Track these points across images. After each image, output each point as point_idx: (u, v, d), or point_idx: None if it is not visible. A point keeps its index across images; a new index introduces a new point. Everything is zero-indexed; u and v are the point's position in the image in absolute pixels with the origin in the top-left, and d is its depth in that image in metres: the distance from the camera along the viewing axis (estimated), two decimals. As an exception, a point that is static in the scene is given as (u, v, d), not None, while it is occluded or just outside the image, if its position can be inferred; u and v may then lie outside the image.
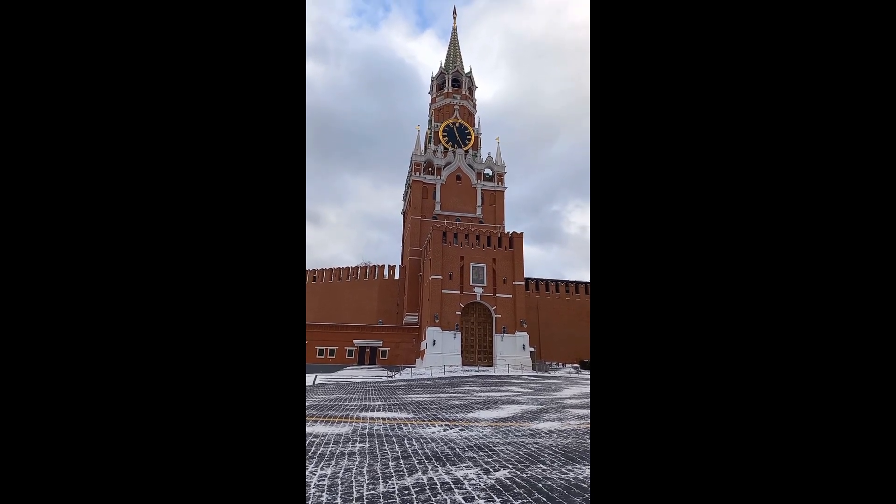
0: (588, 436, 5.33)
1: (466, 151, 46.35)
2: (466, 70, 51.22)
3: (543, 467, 3.64)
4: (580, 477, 3.36)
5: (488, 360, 33.21)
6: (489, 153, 46.95)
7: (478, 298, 34.08)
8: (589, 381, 20.66)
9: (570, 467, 3.66)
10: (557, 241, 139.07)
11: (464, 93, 49.57)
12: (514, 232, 36.38)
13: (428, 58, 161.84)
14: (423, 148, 45.89)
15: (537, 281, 43.98)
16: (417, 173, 44.17)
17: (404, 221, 49.49)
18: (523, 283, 35.60)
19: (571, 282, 45.57)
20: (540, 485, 3.13)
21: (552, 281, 45.04)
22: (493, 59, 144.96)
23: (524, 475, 3.37)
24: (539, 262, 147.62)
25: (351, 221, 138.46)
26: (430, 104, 51.05)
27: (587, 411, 8.12)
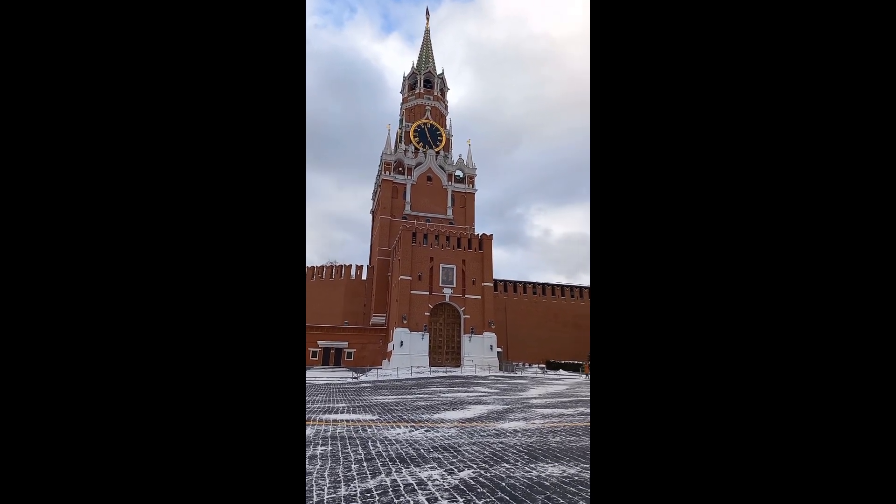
0: (551, 434, 5.42)
1: (437, 153, 46.36)
2: (439, 72, 51.29)
3: (507, 466, 3.66)
4: (542, 475, 3.41)
5: (456, 360, 33.32)
6: (460, 155, 47.17)
7: (447, 299, 34.12)
8: (554, 381, 21.11)
9: (532, 465, 3.70)
10: (522, 243, 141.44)
11: (436, 94, 49.59)
12: (483, 234, 36.69)
13: (393, 61, 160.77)
14: (393, 147, 45.54)
15: (505, 282, 44.55)
16: (387, 172, 43.77)
17: (373, 221, 48.93)
18: (492, 285, 35.96)
19: (539, 283, 46.46)
20: (503, 483, 3.14)
21: (520, 282, 45.75)
22: (456, 65, 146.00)
23: (488, 474, 3.38)
24: (504, 264, 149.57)
25: (314, 221, 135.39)
26: (402, 104, 50.79)
27: (551, 410, 8.28)
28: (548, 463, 3.81)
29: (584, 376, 28.97)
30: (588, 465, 3.78)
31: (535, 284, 46.25)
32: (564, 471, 3.55)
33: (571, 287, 47.35)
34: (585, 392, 14.21)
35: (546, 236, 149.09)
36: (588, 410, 8.48)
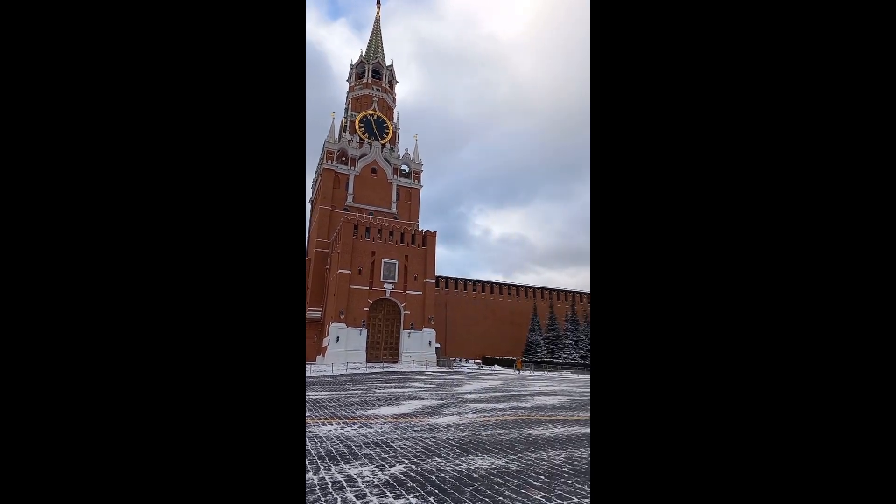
0: (483, 428, 5.58)
1: (383, 145, 45.60)
2: (388, 63, 50.40)
3: (439, 460, 3.71)
4: (472, 467, 3.49)
5: (394, 356, 33.14)
6: (406, 149, 46.78)
7: (387, 295, 33.79)
8: (489, 377, 21.74)
9: (463, 459, 3.78)
10: (463, 241, 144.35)
11: (384, 85, 48.72)
12: (427, 230, 36.76)
13: (338, 47, 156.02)
14: (337, 136, 44.08)
15: (447, 279, 45.03)
16: (329, 161, 42.26)
17: (312, 211, 47.03)
18: (434, 281, 36.17)
19: (479, 281, 47.50)
20: (433, 477, 3.17)
21: (461, 279, 46.48)
22: (404, 60, 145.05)
23: (419, 469, 3.40)
24: (445, 261, 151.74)
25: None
26: (348, 92, 49.29)
27: (484, 405, 8.51)
28: (478, 456, 3.91)
29: (517, 371, 30.16)
30: (515, 457, 3.93)
31: (475, 282, 47.22)
32: (493, 462, 3.66)
33: (509, 285, 48.99)
34: (517, 387, 14.79)
35: (486, 236, 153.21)
36: (518, 405, 8.84)
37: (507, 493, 2.87)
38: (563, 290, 51.32)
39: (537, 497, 2.81)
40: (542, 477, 3.29)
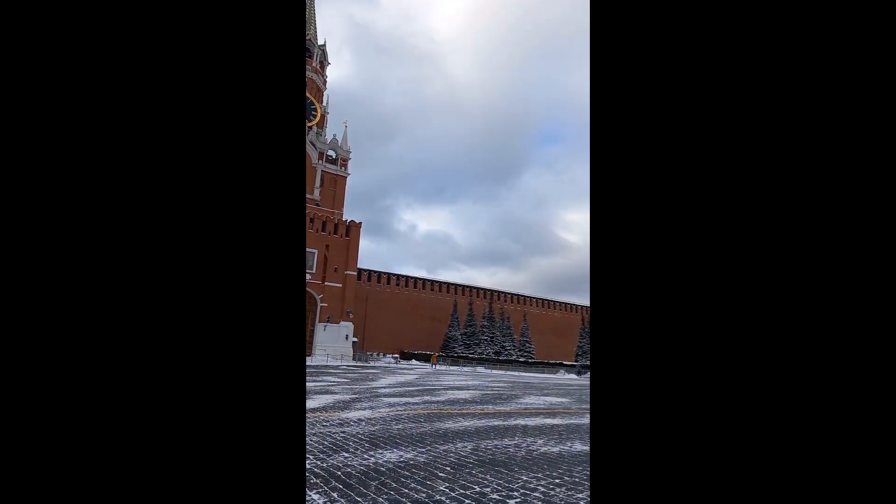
0: (395, 422, 5.58)
1: (311, 128, 43.37)
2: (320, 42, 47.98)
3: (346, 455, 3.63)
4: (380, 461, 3.47)
5: (307, 349, 31.79)
6: (335, 135, 44.95)
7: (304, 285, 32.29)
8: (406, 371, 21.80)
9: (372, 453, 3.74)
10: (388, 235, 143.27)
11: (314, 66, 46.24)
12: (352, 221, 35.71)
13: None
14: (259, 113, 40.93)
15: (370, 272, 44.21)
16: (250, 140, 39.16)
17: (226, 191, 43.24)
18: (356, 274, 35.28)
19: (402, 276, 47.34)
20: (339, 472, 3.10)
21: (384, 273, 45.93)
22: (336, 42, 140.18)
23: (324, 464, 3.30)
24: (369, 253, 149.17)
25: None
26: (275, 67, 45.95)
27: (398, 399, 8.53)
28: (387, 449, 3.90)
29: (433, 366, 30.70)
30: (423, 450, 3.99)
31: (398, 276, 46.98)
32: (402, 456, 3.68)
33: (432, 281, 49.56)
34: (432, 381, 15.04)
35: (411, 231, 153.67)
36: (432, 399, 8.99)
37: (412, 485, 2.90)
38: (482, 289, 53.17)
39: (441, 488, 2.87)
40: (448, 468, 3.38)
